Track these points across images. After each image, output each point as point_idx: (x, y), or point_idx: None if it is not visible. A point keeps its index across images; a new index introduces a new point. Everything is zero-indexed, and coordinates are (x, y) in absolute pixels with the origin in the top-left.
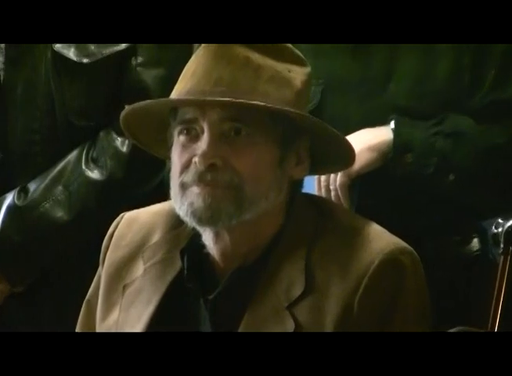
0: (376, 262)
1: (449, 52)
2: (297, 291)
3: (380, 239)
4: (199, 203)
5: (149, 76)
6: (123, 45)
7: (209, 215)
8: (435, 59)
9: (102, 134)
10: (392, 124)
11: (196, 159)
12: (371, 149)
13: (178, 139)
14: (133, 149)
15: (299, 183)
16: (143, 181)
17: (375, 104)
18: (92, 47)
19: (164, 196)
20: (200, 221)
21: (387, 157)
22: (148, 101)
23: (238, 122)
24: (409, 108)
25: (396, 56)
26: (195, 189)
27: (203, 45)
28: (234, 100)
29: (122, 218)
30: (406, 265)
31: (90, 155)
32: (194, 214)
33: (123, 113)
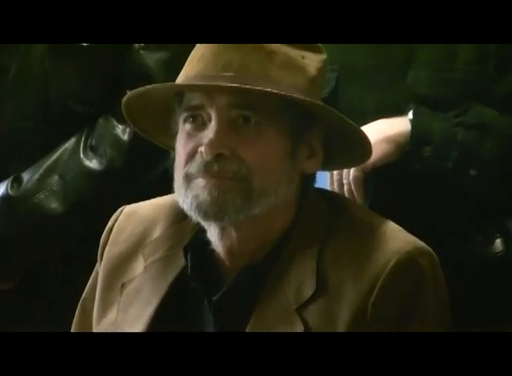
0: (393, 263)
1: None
2: (308, 292)
3: (397, 238)
4: (204, 196)
5: (153, 59)
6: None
7: (216, 209)
8: (457, 46)
9: (101, 121)
10: (410, 115)
11: (202, 149)
12: (387, 140)
13: (184, 127)
14: (134, 137)
15: (312, 178)
16: (145, 171)
17: (393, 92)
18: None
19: (167, 188)
20: (206, 215)
21: (404, 150)
22: (152, 85)
23: (247, 109)
24: (429, 97)
25: (416, 46)
26: (200, 182)
27: None
28: (243, 86)
29: (121, 211)
30: (424, 266)
31: (88, 143)
32: (199, 207)
33: (125, 99)
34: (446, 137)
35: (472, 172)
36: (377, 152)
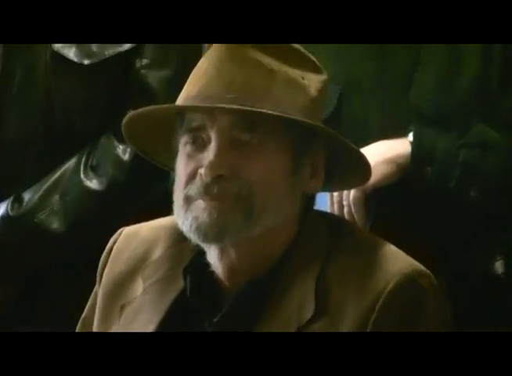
0: (392, 284)
1: (476, 57)
2: (308, 313)
3: (397, 260)
4: (204, 218)
5: (155, 78)
6: (126, 46)
7: (216, 231)
8: (461, 64)
9: (102, 140)
10: (410, 136)
11: (202, 170)
12: (387, 162)
13: (184, 149)
14: (135, 157)
15: (312, 199)
16: (145, 192)
17: (396, 110)
18: (94, 47)
19: (167, 209)
20: (206, 237)
21: (405, 171)
22: (152, 107)
23: (248, 130)
24: (431, 115)
25: (419, 60)
26: (200, 203)
27: (213, 45)
28: (245, 108)
29: (121, 233)
30: (425, 287)
31: (89, 163)
32: (199, 230)
33: (125, 120)
34: (448, 157)
35: (474, 192)
36: (377, 174)
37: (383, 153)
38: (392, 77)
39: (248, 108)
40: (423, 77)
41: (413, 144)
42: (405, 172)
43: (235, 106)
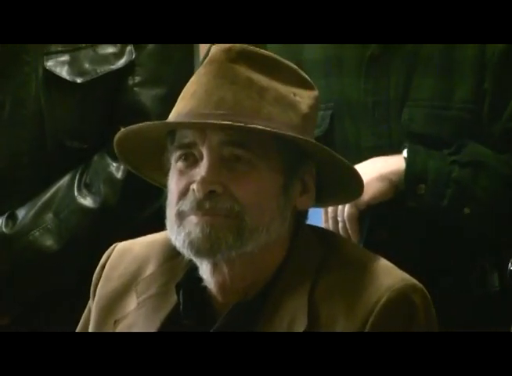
0: (384, 299)
1: (468, 77)
2: (300, 328)
3: (389, 275)
4: (197, 233)
5: (148, 96)
6: (119, 64)
7: (208, 246)
8: (453, 84)
9: (96, 158)
10: (405, 153)
11: (194, 186)
12: (381, 178)
13: (176, 165)
14: (128, 175)
15: (304, 214)
16: (139, 209)
17: (388, 130)
18: (87, 65)
19: (160, 225)
20: (198, 252)
21: (399, 188)
22: (143, 124)
23: (239, 147)
24: (424, 134)
25: (412, 80)
26: (193, 219)
27: (203, 64)
28: (236, 124)
29: (114, 248)
30: (416, 303)
31: (83, 181)
32: (192, 245)
33: (116, 137)
34: (441, 175)
35: (466, 210)
36: (372, 190)
37: (377, 170)
38: (384, 98)
39: (239, 124)
40: (416, 97)
41: (407, 161)
42: (399, 189)
43: (225, 122)
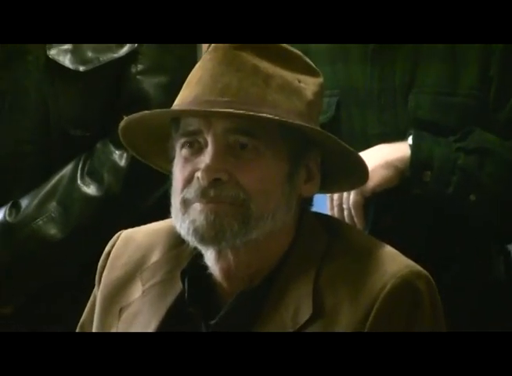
0: (389, 286)
1: (474, 64)
2: (305, 316)
3: (394, 262)
4: (201, 220)
5: (151, 84)
6: (122, 52)
7: (212, 234)
8: (459, 71)
9: (99, 146)
10: (410, 140)
11: (198, 174)
12: (387, 165)
13: (181, 153)
14: (132, 162)
15: (309, 202)
16: (142, 197)
17: (395, 116)
18: (89, 54)
19: (165, 213)
20: (203, 240)
21: (404, 175)
22: (147, 112)
23: (245, 134)
24: (430, 121)
25: (418, 66)
26: (197, 206)
27: (209, 50)
28: (241, 112)
29: (119, 236)
30: (421, 289)
31: (86, 169)
32: (196, 232)
33: (121, 125)
34: (447, 162)
35: (472, 197)
36: (377, 177)
37: (383, 157)
38: (390, 85)
39: (243, 112)
40: (423, 84)
41: (412, 148)
42: (405, 176)
43: (230, 110)
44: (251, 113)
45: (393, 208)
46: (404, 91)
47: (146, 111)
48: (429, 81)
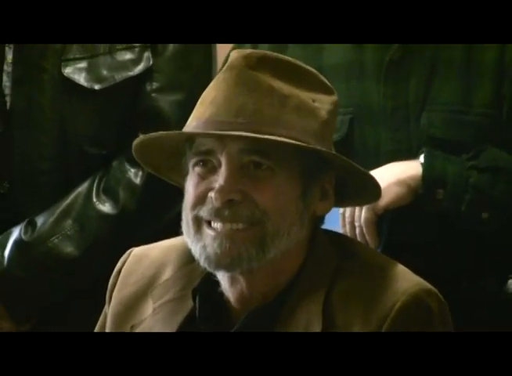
0: (399, 304)
1: (487, 81)
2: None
3: (404, 279)
4: (214, 248)
5: (166, 102)
6: (137, 70)
7: (228, 261)
8: (472, 88)
9: (114, 164)
10: (422, 158)
11: (212, 194)
12: (399, 183)
13: (194, 170)
14: (147, 180)
15: (320, 219)
16: (158, 215)
17: (407, 134)
18: (105, 72)
19: (179, 231)
20: (217, 267)
21: (417, 193)
22: (161, 133)
23: (258, 155)
24: (443, 139)
25: (431, 84)
26: (209, 231)
27: (223, 70)
28: (255, 135)
29: (130, 254)
30: (432, 307)
31: (102, 187)
32: (209, 260)
33: (135, 143)
34: (459, 180)
35: (484, 215)
36: (389, 195)
37: (395, 175)
38: (404, 101)
39: (258, 135)
40: (436, 101)
41: (424, 166)
42: (417, 194)
43: (244, 133)
44: (266, 136)
45: (405, 226)
46: (417, 108)
47: (160, 132)
48: (442, 99)
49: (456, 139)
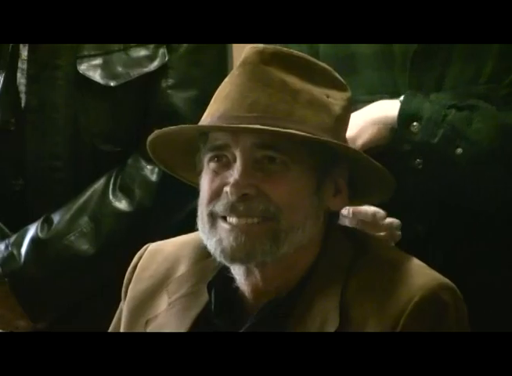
0: (416, 299)
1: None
2: (331, 328)
3: (420, 274)
4: (230, 241)
5: (181, 98)
6: (152, 67)
7: (243, 255)
8: (479, 68)
9: (130, 161)
10: (402, 98)
11: (227, 189)
12: (375, 122)
13: (209, 166)
14: (163, 177)
15: (336, 215)
16: (173, 211)
17: None
18: (120, 69)
19: (195, 227)
20: (232, 260)
21: (393, 132)
22: (176, 127)
23: (272, 150)
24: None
25: (445, 73)
26: (225, 225)
27: (237, 65)
28: (267, 128)
29: (146, 249)
30: (448, 302)
31: (117, 184)
32: (224, 253)
33: (149, 139)
34: (435, 115)
35: (459, 151)
36: (366, 134)
37: (371, 115)
38: (428, 92)
39: (270, 128)
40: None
41: (402, 103)
42: (394, 133)
43: (257, 126)
44: (278, 129)
45: (423, 218)
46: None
47: (174, 127)
48: (455, 81)
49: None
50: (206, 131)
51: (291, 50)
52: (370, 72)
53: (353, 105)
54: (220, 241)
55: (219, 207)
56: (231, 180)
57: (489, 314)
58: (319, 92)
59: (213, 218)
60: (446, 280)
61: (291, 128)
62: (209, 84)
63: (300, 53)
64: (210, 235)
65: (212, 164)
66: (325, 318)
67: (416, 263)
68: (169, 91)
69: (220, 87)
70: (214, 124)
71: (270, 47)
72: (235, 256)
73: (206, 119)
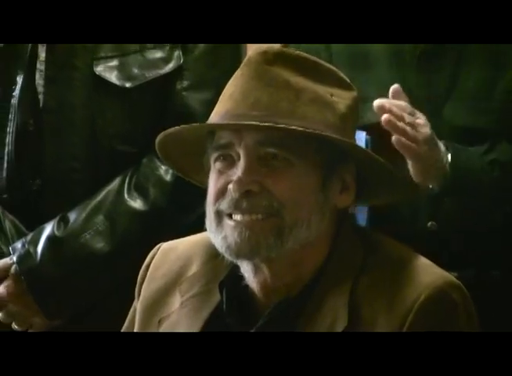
0: (423, 297)
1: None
2: (340, 326)
3: (428, 273)
4: (235, 237)
5: (196, 100)
6: (167, 68)
7: (247, 250)
8: (498, 76)
9: (145, 161)
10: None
11: (230, 186)
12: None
13: (215, 166)
14: (177, 177)
15: (347, 213)
16: (187, 210)
17: (434, 124)
18: (135, 70)
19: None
20: (237, 255)
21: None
22: (181, 126)
23: (275, 147)
24: (463, 127)
25: (459, 72)
26: (230, 222)
27: (241, 65)
28: (269, 124)
29: (158, 248)
30: (456, 300)
31: (132, 184)
32: (230, 249)
33: (157, 140)
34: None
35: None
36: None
37: None
38: (434, 92)
39: (269, 124)
40: (461, 91)
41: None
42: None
43: (254, 123)
44: (277, 125)
45: (436, 214)
46: (444, 97)
47: (178, 126)
48: (469, 88)
49: (477, 126)
50: (212, 131)
51: (296, 51)
52: (382, 70)
53: (365, 102)
54: (225, 238)
55: (224, 204)
56: (234, 178)
57: (497, 314)
58: (323, 90)
59: (219, 216)
60: (453, 278)
61: (292, 125)
62: (224, 86)
63: (304, 54)
64: (217, 233)
65: (218, 164)
66: (335, 317)
67: (425, 261)
68: (184, 92)
69: (225, 87)
70: (215, 122)
71: (273, 47)
72: (240, 251)
73: (212, 119)
